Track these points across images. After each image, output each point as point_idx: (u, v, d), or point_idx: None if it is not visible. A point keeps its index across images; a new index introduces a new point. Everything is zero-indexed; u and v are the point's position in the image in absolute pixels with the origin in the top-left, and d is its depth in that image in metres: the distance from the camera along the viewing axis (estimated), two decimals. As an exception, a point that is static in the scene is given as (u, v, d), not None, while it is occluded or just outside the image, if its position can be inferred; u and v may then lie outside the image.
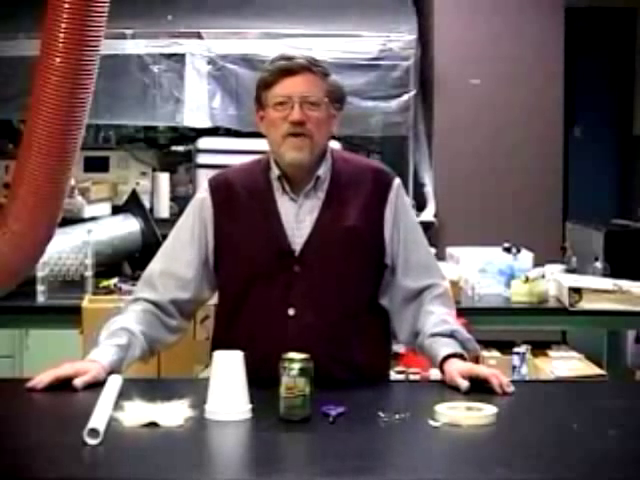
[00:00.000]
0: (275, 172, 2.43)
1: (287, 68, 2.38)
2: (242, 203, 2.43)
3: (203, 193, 2.49)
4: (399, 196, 2.48)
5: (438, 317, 2.41)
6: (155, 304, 2.42)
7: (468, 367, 2.29)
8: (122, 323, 2.36)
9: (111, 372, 2.24)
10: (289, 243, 2.39)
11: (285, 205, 2.42)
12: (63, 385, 2.19)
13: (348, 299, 2.40)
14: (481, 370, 2.29)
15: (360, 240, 2.41)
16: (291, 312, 2.37)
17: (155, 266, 2.49)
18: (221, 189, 2.47)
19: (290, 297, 2.37)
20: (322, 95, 2.39)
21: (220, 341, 2.44)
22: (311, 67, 2.39)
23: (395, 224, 2.45)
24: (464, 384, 2.21)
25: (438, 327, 2.39)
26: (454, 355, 2.32)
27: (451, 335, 2.38)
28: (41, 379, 2.20)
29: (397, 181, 2.50)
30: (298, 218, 2.41)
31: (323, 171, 2.43)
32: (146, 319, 2.39)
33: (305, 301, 2.37)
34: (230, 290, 2.45)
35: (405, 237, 2.46)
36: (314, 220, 2.41)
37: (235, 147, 5.05)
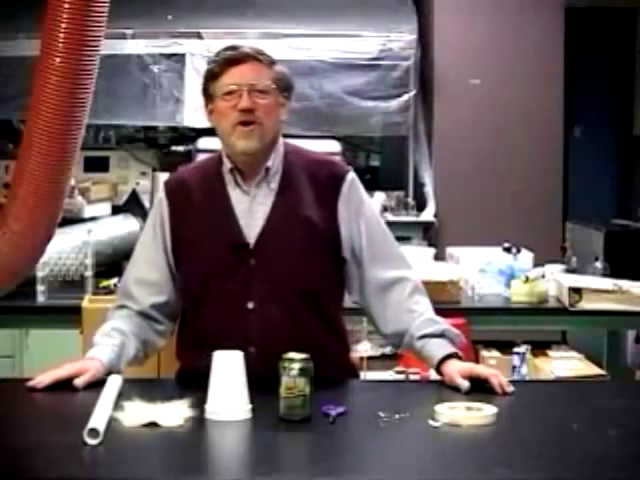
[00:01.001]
0: (227, 165, 2.42)
1: (233, 58, 2.38)
2: (196, 200, 2.43)
3: (160, 195, 2.50)
4: (353, 189, 2.46)
5: (424, 316, 2.40)
6: (137, 312, 2.43)
7: (468, 367, 2.28)
8: (114, 325, 2.37)
9: (110, 370, 2.25)
10: (243, 236, 2.38)
11: (238, 198, 2.41)
12: (63, 385, 2.19)
13: (307, 289, 2.39)
14: (481, 370, 2.29)
15: (314, 230, 2.39)
16: (250, 305, 2.35)
17: (128, 275, 2.49)
18: (175, 189, 2.47)
19: (248, 290, 2.36)
20: (269, 82, 2.38)
21: (184, 340, 2.46)
22: (257, 55, 2.39)
23: (353, 218, 2.43)
24: (465, 384, 2.21)
25: (428, 328, 2.38)
26: (451, 356, 2.32)
27: (442, 335, 2.37)
28: (41, 380, 2.20)
29: (351, 175, 2.48)
30: (251, 210, 2.40)
31: (273, 162, 2.42)
32: (135, 322, 2.41)
33: (264, 293, 2.35)
34: (190, 288, 2.44)
35: (368, 230, 2.45)
36: (268, 211, 2.40)
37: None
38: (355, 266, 2.45)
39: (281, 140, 2.47)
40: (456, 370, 2.26)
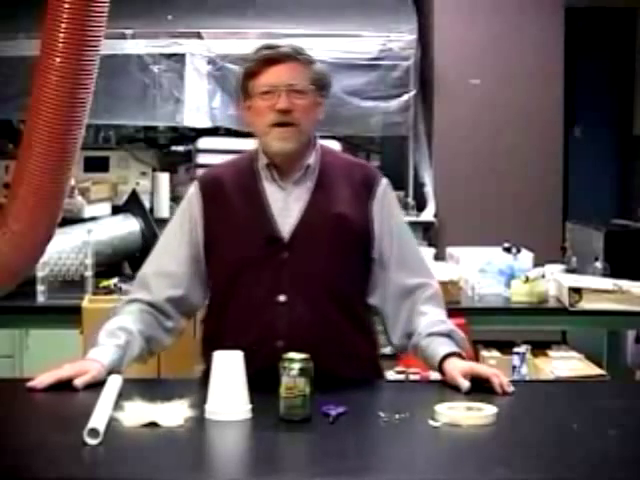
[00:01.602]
0: (263, 161, 2.44)
1: (272, 57, 2.39)
2: (230, 195, 2.44)
3: (192, 190, 2.51)
4: (387, 194, 2.50)
5: (434, 317, 2.42)
6: (150, 304, 2.42)
7: (469, 366, 2.29)
8: (120, 323, 2.37)
9: (111, 371, 2.25)
10: (277, 230, 2.39)
11: (273, 193, 2.43)
12: (63, 385, 2.19)
13: (338, 285, 2.40)
14: (482, 369, 2.30)
15: (348, 227, 2.41)
16: (281, 298, 2.36)
17: (147, 267, 2.50)
18: (209, 185, 2.49)
19: (280, 284, 2.37)
20: (308, 83, 2.39)
21: (212, 332, 2.46)
22: (296, 55, 2.40)
23: (385, 221, 2.46)
24: (465, 384, 2.21)
25: (435, 327, 2.39)
26: (453, 354, 2.32)
27: (448, 335, 2.38)
28: (42, 380, 2.20)
29: (385, 180, 2.52)
30: (287, 205, 2.41)
31: (313, 160, 2.44)
32: (143, 319, 2.40)
33: (295, 287, 2.36)
34: (220, 280, 2.45)
35: (399, 234, 2.48)
36: (303, 207, 2.41)
37: (235, 147, 5.04)
38: (379, 269, 2.47)
39: (317, 139, 2.49)
40: (457, 369, 2.26)
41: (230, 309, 2.41)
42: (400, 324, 2.45)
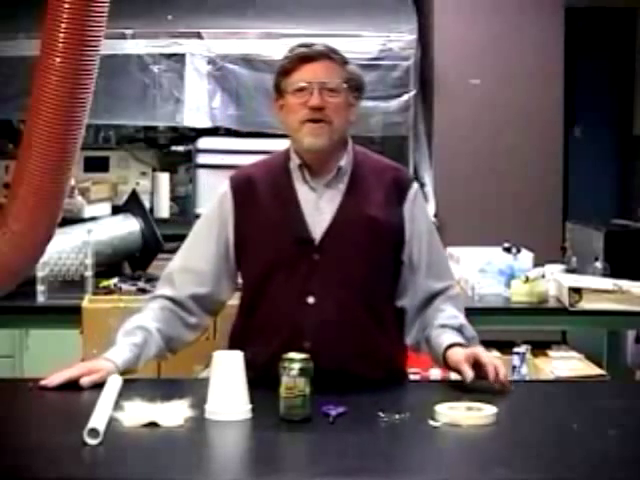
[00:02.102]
0: (295, 161, 2.45)
1: (306, 55, 2.41)
2: (262, 195, 2.45)
3: (224, 189, 2.51)
4: (418, 198, 2.51)
5: (449, 313, 2.44)
6: (173, 300, 2.44)
7: (471, 350, 2.30)
8: (138, 322, 2.38)
9: (126, 370, 2.26)
10: (309, 231, 2.40)
11: (305, 194, 2.43)
12: (68, 384, 2.19)
13: (367, 288, 2.41)
14: (484, 355, 2.29)
15: (380, 230, 2.42)
16: (310, 300, 2.38)
17: (174, 263, 2.52)
18: (241, 184, 2.49)
19: (310, 285, 2.38)
20: (341, 82, 2.41)
21: (239, 331, 2.47)
22: (330, 54, 2.43)
23: (416, 225, 2.47)
24: (469, 374, 2.22)
25: (448, 320, 2.42)
26: (458, 345, 2.33)
27: (458, 329, 2.40)
28: (52, 379, 2.21)
29: (416, 185, 2.54)
30: (318, 207, 2.42)
31: (345, 162, 2.45)
32: (163, 317, 2.41)
33: (325, 289, 2.38)
34: (250, 280, 2.47)
35: (429, 238, 2.51)
36: (335, 209, 2.42)
37: (235, 147, 5.06)
38: (409, 272, 2.48)
39: (350, 141, 2.50)
40: (461, 354, 2.28)
41: (259, 309, 2.43)
42: (418, 322, 2.47)
